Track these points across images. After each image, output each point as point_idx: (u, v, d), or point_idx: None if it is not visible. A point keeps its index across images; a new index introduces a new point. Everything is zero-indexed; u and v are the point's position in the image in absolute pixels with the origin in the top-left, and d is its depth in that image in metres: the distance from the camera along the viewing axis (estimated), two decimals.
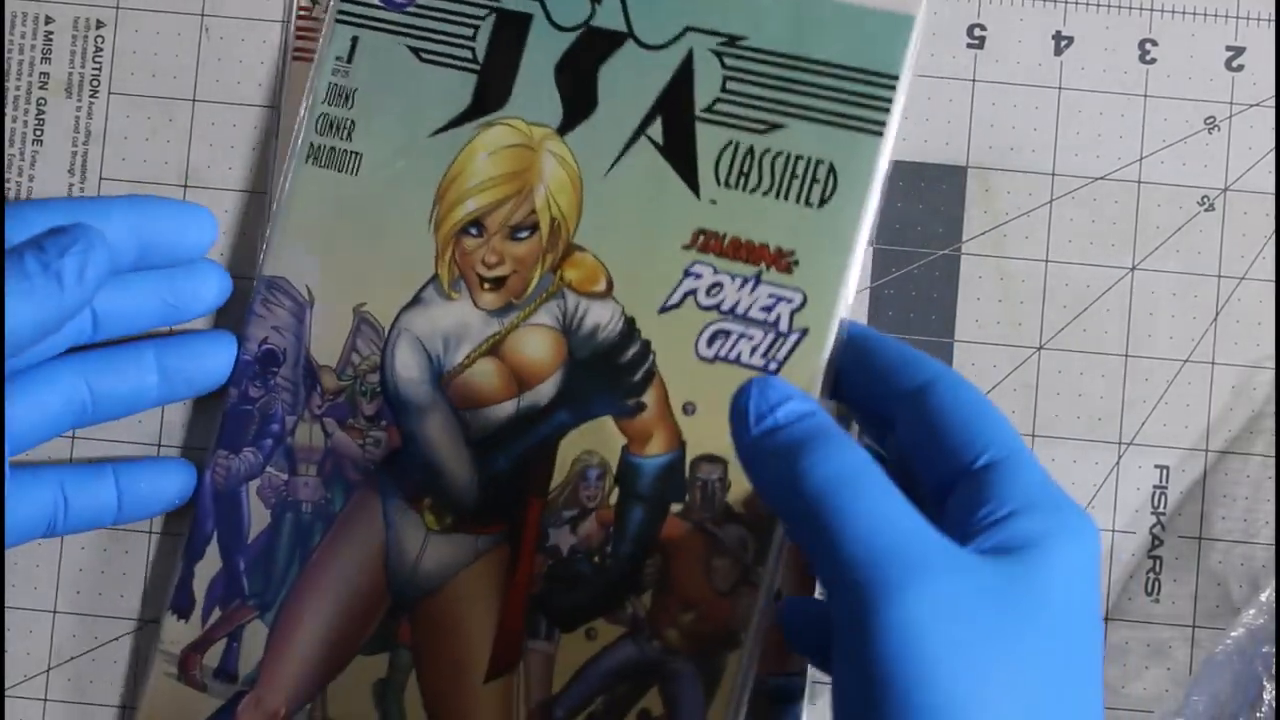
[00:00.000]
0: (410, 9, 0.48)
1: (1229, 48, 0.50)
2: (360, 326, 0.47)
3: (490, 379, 0.47)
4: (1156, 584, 0.49)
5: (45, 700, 0.49)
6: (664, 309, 0.46)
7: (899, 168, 0.50)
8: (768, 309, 0.45)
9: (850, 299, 0.45)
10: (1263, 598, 0.48)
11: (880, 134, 0.45)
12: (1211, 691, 0.47)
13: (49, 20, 0.50)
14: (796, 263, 0.45)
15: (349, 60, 0.48)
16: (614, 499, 0.46)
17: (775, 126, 0.46)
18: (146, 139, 0.50)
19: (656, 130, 0.46)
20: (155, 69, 0.50)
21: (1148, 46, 0.50)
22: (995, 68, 0.50)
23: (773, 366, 0.45)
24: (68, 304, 0.42)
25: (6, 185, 0.50)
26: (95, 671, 0.49)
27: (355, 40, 0.48)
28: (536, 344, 0.47)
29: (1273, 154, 0.50)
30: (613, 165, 0.46)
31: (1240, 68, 0.50)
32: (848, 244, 0.45)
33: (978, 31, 0.50)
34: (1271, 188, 0.50)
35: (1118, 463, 0.49)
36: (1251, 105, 0.50)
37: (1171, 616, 0.49)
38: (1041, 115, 0.50)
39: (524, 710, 0.46)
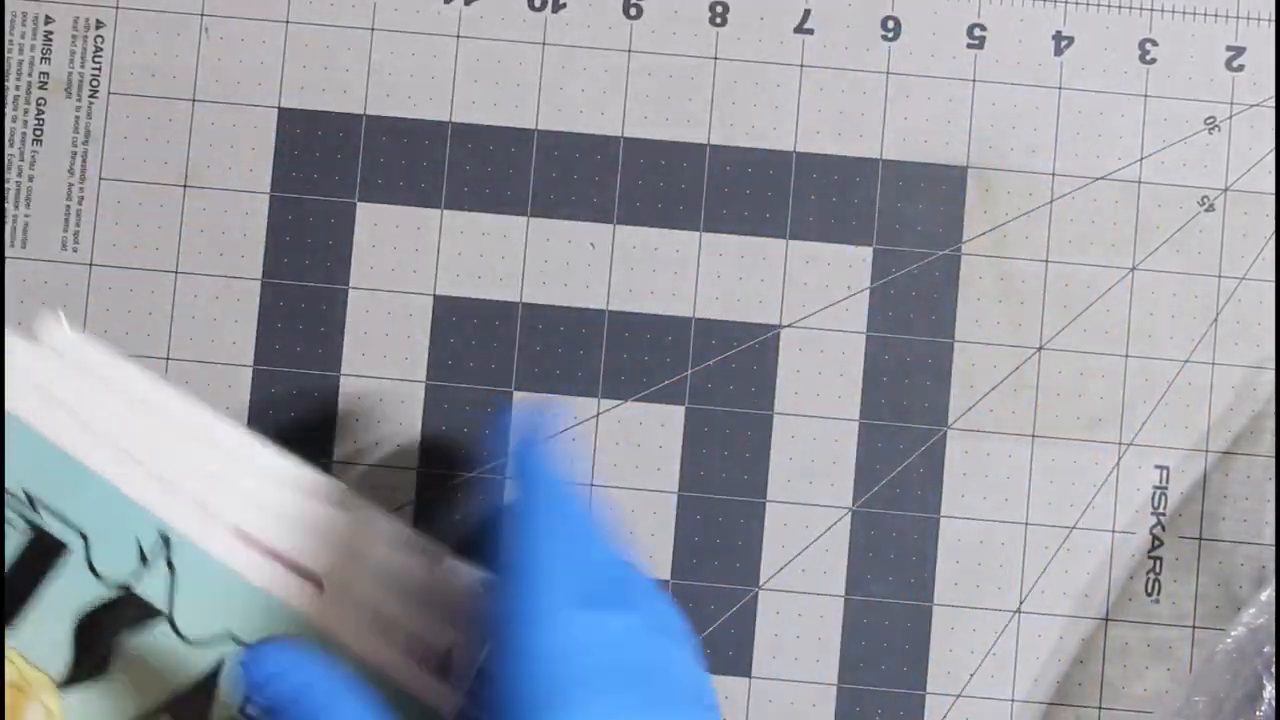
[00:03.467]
0: None
1: (1229, 48, 0.50)
2: None
3: None
4: (1157, 584, 0.49)
5: None
6: None
7: (899, 167, 0.50)
8: None
9: None
10: (1263, 597, 0.47)
11: None
12: (1212, 691, 0.47)
13: (49, 20, 0.50)
14: None
15: None
16: None
17: None
18: (146, 139, 0.50)
19: None
20: (155, 69, 0.50)
21: (1148, 46, 0.50)
22: (995, 68, 0.50)
23: None
24: None
25: (6, 185, 0.50)
26: None
27: None
28: None
29: (1273, 154, 0.50)
30: None
31: (1240, 68, 0.50)
32: None
33: (978, 31, 0.50)
34: (1271, 188, 0.50)
35: (1118, 463, 0.49)
36: (1251, 105, 0.50)
37: (1172, 617, 0.49)
38: (1041, 115, 0.50)
39: None
